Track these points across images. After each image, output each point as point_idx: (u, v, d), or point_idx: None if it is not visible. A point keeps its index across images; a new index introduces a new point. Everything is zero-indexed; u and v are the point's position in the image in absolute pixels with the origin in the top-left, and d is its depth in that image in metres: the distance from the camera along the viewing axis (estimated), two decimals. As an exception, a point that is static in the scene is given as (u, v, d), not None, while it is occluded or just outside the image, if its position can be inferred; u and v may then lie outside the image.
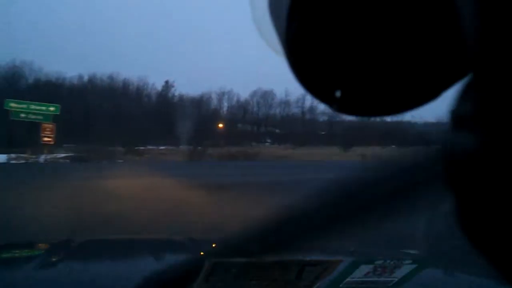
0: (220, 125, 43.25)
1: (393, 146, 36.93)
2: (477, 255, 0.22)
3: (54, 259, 1.28)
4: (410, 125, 48.68)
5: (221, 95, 51.43)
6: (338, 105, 0.33)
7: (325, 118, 51.94)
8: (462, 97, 0.23)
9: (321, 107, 52.77)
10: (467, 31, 0.21)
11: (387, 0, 0.29)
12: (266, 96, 52.54)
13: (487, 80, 0.20)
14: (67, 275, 1.10)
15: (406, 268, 0.90)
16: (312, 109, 52.07)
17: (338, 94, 0.33)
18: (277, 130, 50.19)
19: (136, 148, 27.97)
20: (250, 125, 49.63)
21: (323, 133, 47.43)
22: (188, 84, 77.99)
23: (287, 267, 0.73)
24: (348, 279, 0.83)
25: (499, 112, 0.19)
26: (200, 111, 47.38)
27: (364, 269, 0.86)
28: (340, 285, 0.81)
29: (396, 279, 0.85)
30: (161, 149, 30.72)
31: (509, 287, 0.24)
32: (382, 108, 0.33)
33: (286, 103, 53.23)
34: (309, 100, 52.06)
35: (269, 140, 46.92)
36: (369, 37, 0.30)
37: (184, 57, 71.92)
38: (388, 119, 45.12)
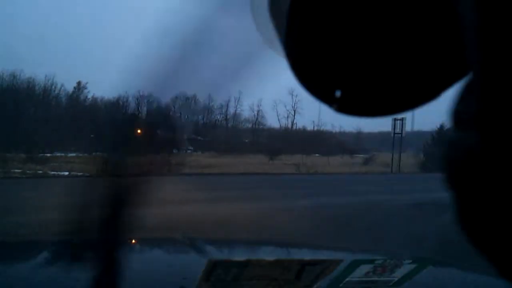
0: (139, 131, 40.64)
1: (316, 154, 37.34)
2: (477, 253, 0.22)
3: (54, 259, 1.26)
4: (331, 134, 49.87)
5: (140, 99, 48.63)
6: (338, 105, 0.33)
7: (248, 125, 51.41)
8: (462, 97, 0.23)
9: (245, 114, 52.52)
10: (466, 31, 0.21)
11: (388, 1, 0.29)
12: (188, 102, 50.59)
13: (487, 80, 0.20)
14: (66, 274, 1.07)
15: (406, 267, 0.88)
16: (235, 116, 51.23)
17: (338, 94, 0.32)
18: (199, 137, 48.51)
19: (41, 155, 24.79)
20: (171, 131, 47.37)
21: (246, 140, 46.66)
22: (103, 86, 73.05)
23: (287, 266, 0.75)
24: (348, 279, 0.82)
25: (499, 112, 0.19)
26: (116, 116, 44.38)
27: (364, 268, 0.85)
28: (340, 285, 0.81)
29: (396, 279, 0.84)
30: (70, 157, 27.64)
31: (509, 284, 0.24)
32: (382, 108, 0.33)
33: (209, 109, 51.81)
34: (233, 107, 51.22)
35: (191, 147, 45.09)
36: (369, 37, 0.30)
37: (98, 56, 67.22)
38: (310, 128, 45.80)
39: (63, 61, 59.30)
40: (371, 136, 50.18)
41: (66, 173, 18.28)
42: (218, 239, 2.49)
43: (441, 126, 22.90)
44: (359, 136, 51.95)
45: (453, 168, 0.23)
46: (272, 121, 58.59)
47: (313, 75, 0.32)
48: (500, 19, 0.19)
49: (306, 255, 1.65)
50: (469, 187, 0.21)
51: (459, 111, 0.23)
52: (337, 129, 52.04)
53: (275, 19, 0.33)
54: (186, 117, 51.37)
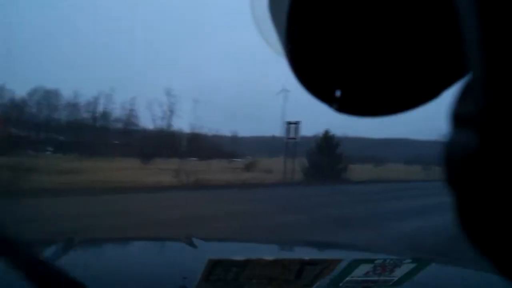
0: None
1: (193, 158, 35.87)
2: (477, 253, 0.23)
3: (54, 259, 1.28)
4: (207, 137, 48.96)
5: (-11, 91, 41.62)
6: (338, 105, 0.33)
7: (119, 125, 47.64)
8: (462, 97, 0.23)
9: (116, 113, 48.48)
10: (466, 31, 0.21)
11: (387, 1, 0.30)
12: (49, 96, 45.13)
13: (487, 80, 0.20)
14: (66, 274, 1.10)
15: (406, 267, 0.90)
16: (105, 114, 47.01)
17: (338, 94, 0.33)
18: (61, 137, 43.42)
19: None
20: (27, 129, 41.50)
21: (116, 142, 43.09)
22: None
23: (287, 266, 0.75)
24: (348, 278, 0.83)
25: (499, 112, 0.19)
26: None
27: (363, 268, 0.86)
28: (340, 284, 0.83)
29: (396, 278, 0.86)
30: None
31: (509, 284, 0.24)
32: (382, 108, 0.33)
33: (74, 106, 46.72)
34: (102, 104, 46.93)
35: (50, 149, 40.02)
36: (370, 37, 0.31)
37: None
38: (186, 130, 44.30)
39: None
40: (246, 141, 50.63)
41: None
42: (218, 239, 2.40)
43: (326, 132, 23.05)
44: (234, 140, 51.97)
45: (452, 168, 0.23)
46: (146, 122, 55.36)
47: (313, 75, 0.32)
48: (501, 18, 0.19)
49: (306, 254, 1.53)
50: (469, 187, 0.22)
51: (459, 111, 0.23)
52: (213, 132, 51.32)
53: (275, 19, 0.33)
54: (45, 113, 45.65)
